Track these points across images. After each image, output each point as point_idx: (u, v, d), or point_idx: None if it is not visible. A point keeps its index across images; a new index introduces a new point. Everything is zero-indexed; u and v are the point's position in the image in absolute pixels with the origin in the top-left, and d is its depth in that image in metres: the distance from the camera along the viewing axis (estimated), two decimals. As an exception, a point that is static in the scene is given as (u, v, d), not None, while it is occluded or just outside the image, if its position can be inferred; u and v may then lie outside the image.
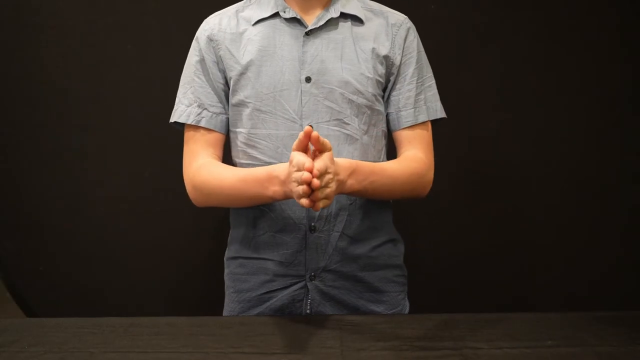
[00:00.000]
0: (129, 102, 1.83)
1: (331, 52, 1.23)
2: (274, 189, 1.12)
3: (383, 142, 1.29)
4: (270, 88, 1.22)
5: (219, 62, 1.26)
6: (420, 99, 1.28)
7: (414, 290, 1.38)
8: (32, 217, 1.88)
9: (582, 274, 1.89)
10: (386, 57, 1.26)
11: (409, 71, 1.28)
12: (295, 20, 1.24)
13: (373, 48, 1.24)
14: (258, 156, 1.23)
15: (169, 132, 1.36)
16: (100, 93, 1.83)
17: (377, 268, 1.28)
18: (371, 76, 1.24)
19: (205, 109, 1.26)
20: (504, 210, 1.89)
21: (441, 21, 1.81)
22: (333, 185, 1.05)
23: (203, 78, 1.26)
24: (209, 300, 1.52)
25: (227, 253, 1.33)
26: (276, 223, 1.24)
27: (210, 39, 1.26)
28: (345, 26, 1.25)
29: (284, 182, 1.09)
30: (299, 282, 1.24)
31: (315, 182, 0.99)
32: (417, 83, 1.28)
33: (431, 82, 1.31)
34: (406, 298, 1.34)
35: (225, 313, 1.33)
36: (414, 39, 1.29)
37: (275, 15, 1.25)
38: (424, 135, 1.29)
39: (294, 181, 1.02)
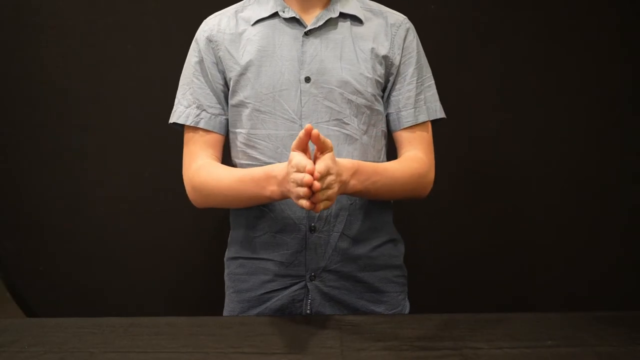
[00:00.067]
0: (129, 102, 1.83)
1: (330, 52, 1.22)
2: (272, 189, 1.12)
3: (383, 142, 1.29)
4: (269, 88, 1.21)
5: (218, 63, 1.26)
6: (420, 99, 1.28)
7: (414, 290, 1.38)
8: (32, 217, 1.88)
9: (582, 274, 1.89)
10: (385, 57, 1.26)
11: (409, 71, 1.27)
12: (294, 20, 1.24)
13: (372, 48, 1.24)
14: (258, 156, 1.23)
15: (169, 132, 1.36)
16: (100, 93, 1.83)
17: (378, 268, 1.28)
18: (370, 76, 1.23)
19: (204, 110, 1.26)
20: (504, 210, 1.89)
21: (441, 21, 1.81)
22: (335, 187, 1.04)
23: (202, 79, 1.26)
24: (209, 300, 1.52)
25: (227, 254, 1.33)
26: (276, 223, 1.24)
27: (209, 40, 1.26)
28: (345, 26, 1.25)
29: (282, 182, 1.09)
30: (299, 282, 1.24)
31: (316, 184, 0.98)
32: (417, 83, 1.28)
33: (430, 82, 1.31)
34: (406, 298, 1.34)
35: (225, 313, 1.33)
36: (414, 39, 1.29)
37: (275, 15, 1.25)
38: (424, 136, 1.29)
39: (293, 182, 1.02)
